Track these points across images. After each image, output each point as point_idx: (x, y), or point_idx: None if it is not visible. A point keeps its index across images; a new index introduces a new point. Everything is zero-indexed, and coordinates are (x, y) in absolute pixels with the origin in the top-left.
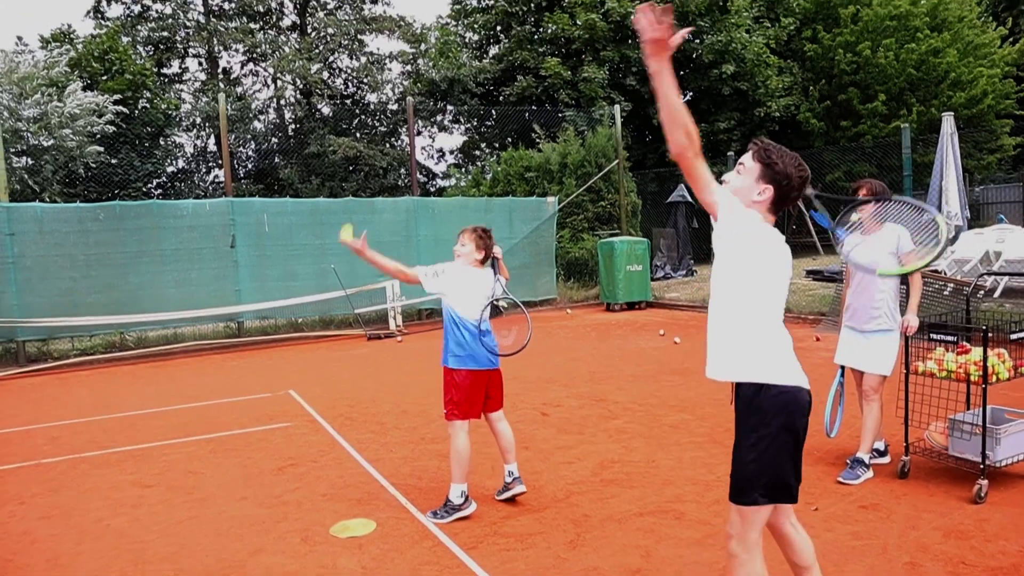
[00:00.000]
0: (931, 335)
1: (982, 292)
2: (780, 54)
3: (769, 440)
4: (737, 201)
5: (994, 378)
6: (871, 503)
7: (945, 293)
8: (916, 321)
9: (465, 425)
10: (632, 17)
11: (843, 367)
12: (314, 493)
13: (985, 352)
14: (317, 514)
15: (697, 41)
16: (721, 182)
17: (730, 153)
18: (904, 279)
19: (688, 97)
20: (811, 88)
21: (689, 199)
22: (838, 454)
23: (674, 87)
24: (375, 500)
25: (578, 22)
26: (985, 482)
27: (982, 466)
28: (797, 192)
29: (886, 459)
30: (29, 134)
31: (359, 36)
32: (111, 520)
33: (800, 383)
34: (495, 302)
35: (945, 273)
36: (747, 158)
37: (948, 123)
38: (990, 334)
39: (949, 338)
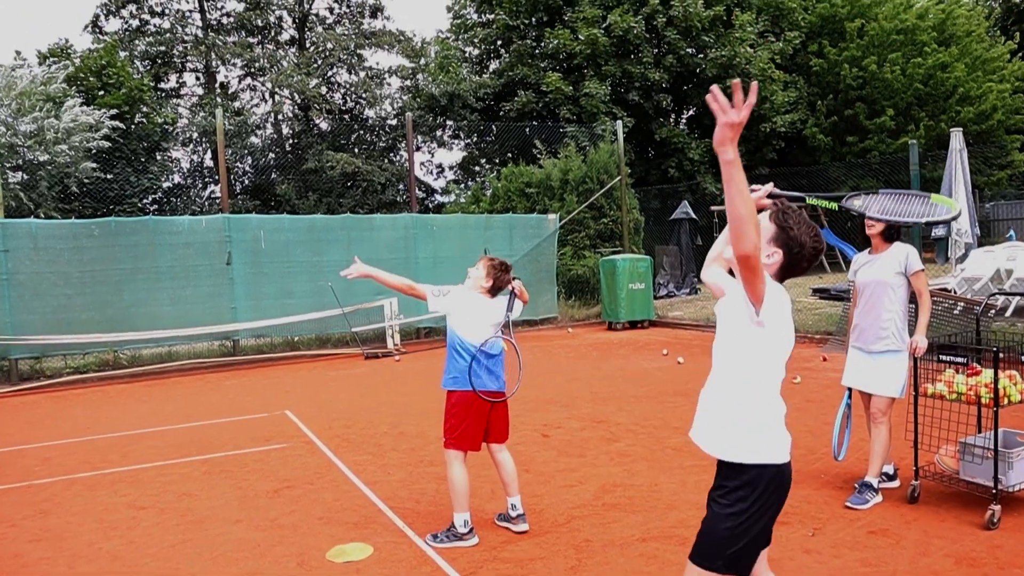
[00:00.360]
0: (940, 356)
1: (993, 311)
2: (785, 69)
3: (750, 515)
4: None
5: (1006, 400)
6: (880, 529)
7: (955, 312)
8: (925, 342)
9: (460, 455)
10: (707, 96)
11: (850, 389)
12: (310, 516)
13: (996, 374)
14: (313, 538)
15: (701, 56)
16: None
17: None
18: (913, 298)
19: (692, 112)
20: (817, 103)
21: (693, 216)
22: (846, 478)
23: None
24: (372, 524)
25: (580, 37)
26: (998, 507)
27: (994, 491)
28: (807, 263)
29: (895, 483)
30: (25, 149)
31: (358, 51)
32: (104, 543)
33: (788, 458)
34: (500, 334)
35: (955, 292)
36: (764, 216)
37: (957, 139)
38: (1001, 355)
39: (959, 359)
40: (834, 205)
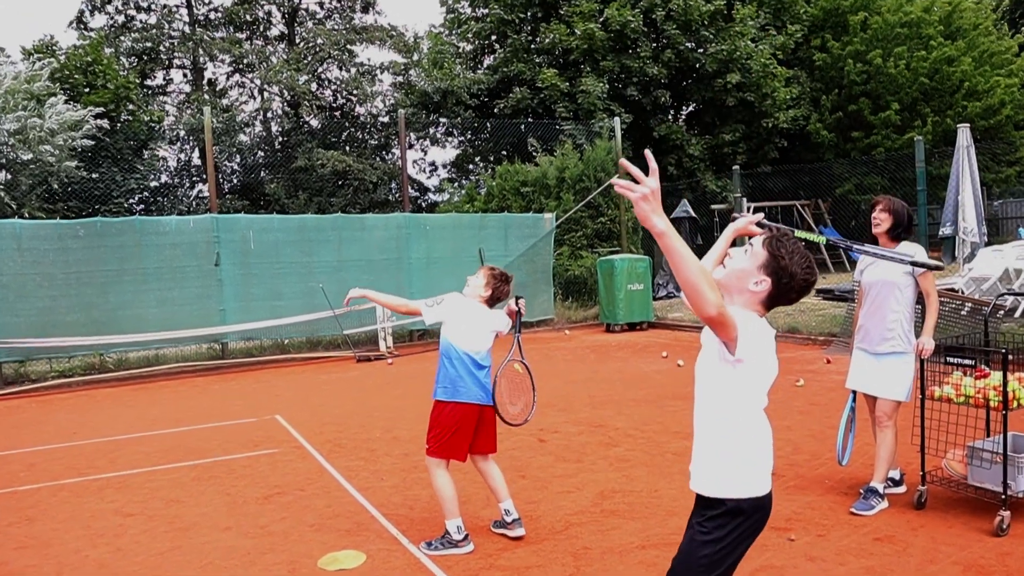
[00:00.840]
0: (948, 358)
1: (1002, 312)
2: (787, 64)
3: (728, 544)
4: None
5: (1015, 403)
6: (886, 535)
7: (962, 313)
8: (932, 343)
9: (443, 463)
10: (614, 180)
11: (855, 392)
12: (301, 523)
13: (1005, 376)
14: (304, 545)
15: (700, 51)
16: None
17: (735, 167)
18: (920, 299)
19: (691, 108)
20: (821, 99)
21: (693, 215)
22: (851, 483)
23: (677, 244)
24: (365, 531)
25: (576, 32)
26: (1007, 513)
27: (1003, 496)
28: (796, 295)
29: (902, 489)
30: (7, 148)
31: (349, 46)
32: (91, 551)
33: (769, 488)
34: (515, 358)
35: (963, 292)
36: (757, 241)
37: (964, 135)
38: (1010, 357)
39: (967, 361)
40: (822, 239)
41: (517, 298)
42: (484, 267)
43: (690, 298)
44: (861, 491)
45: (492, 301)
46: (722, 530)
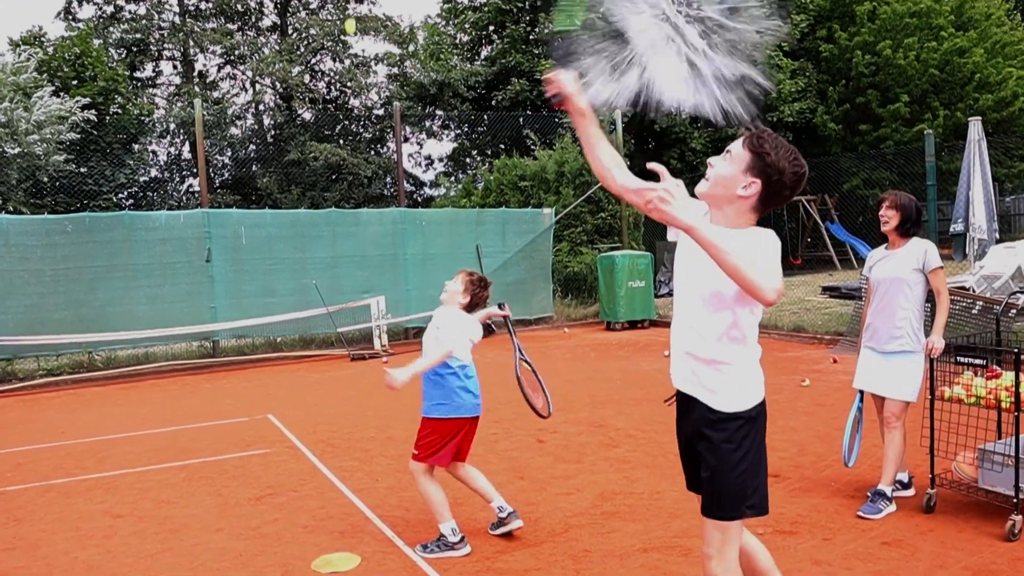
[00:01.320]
0: (958, 358)
1: (1014, 311)
2: (793, 55)
3: (759, 447)
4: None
5: None
6: (894, 539)
7: (973, 312)
8: (942, 342)
9: (429, 469)
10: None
11: (862, 392)
12: (294, 525)
13: (1017, 377)
14: (298, 547)
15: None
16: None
17: None
18: (930, 297)
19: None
20: (828, 91)
21: None
22: (857, 486)
23: (715, 236)
24: (359, 533)
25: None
26: (1019, 517)
27: (1015, 500)
28: (790, 192)
29: (910, 492)
30: None
31: (343, 37)
32: (80, 552)
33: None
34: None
35: (973, 290)
36: (736, 145)
37: (975, 128)
38: (1023, 357)
39: (978, 361)
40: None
41: (500, 304)
42: (462, 272)
43: (746, 291)
44: (868, 494)
45: (471, 307)
46: (748, 439)
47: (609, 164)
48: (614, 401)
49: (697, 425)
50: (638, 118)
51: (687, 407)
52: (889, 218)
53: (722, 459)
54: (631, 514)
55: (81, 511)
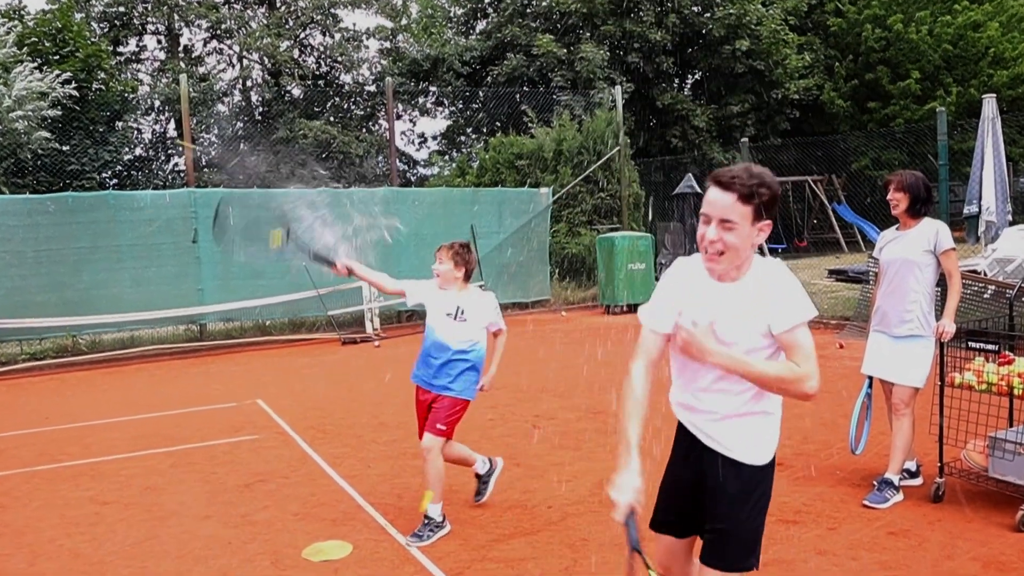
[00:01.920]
0: (969, 343)
1: None
2: (800, 29)
3: (767, 500)
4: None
5: None
6: (901, 529)
7: (985, 296)
8: (953, 327)
9: (444, 443)
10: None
11: (871, 377)
12: (284, 512)
13: None
14: (288, 535)
15: (707, 15)
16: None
17: (744, 139)
18: (941, 280)
19: (697, 76)
20: (836, 67)
21: (698, 190)
22: (864, 474)
23: (751, 363)
24: (351, 520)
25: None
26: None
27: None
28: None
29: (918, 481)
30: None
31: (333, 10)
32: (65, 540)
33: None
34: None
35: (986, 274)
36: (729, 211)
37: (990, 106)
38: None
39: (990, 347)
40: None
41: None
42: (442, 250)
43: (789, 395)
44: (875, 483)
45: (468, 277)
46: (767, 488)
47: None
48: (613, 386)
49: (722, 479)
50: (639, 95)
51: (702, 455)
52: (898, 201)
53: (754, 508)
54: None
55: (66, 498)
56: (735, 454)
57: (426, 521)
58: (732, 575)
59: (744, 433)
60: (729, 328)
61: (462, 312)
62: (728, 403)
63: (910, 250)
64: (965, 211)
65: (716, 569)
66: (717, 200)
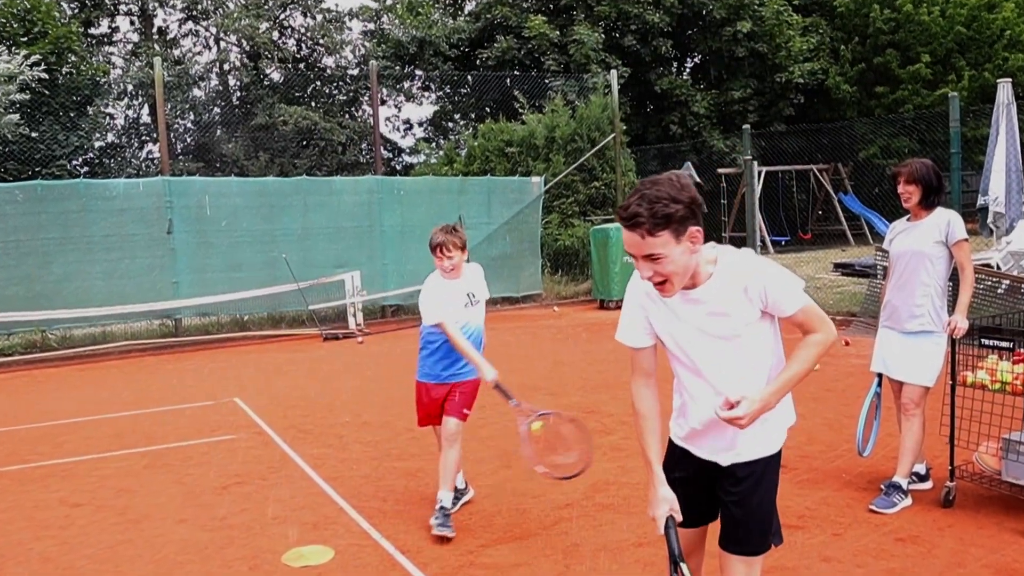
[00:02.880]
0: (982, 340)
1: None
2: (804, 10)
3: (777, 476)
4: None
5: None
6: (909, 535)
7: (999, 291)
8: (965, 322)
9: None
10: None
11: (879, 375)
12: (263, 515)
13: None
14: (267, 539)
15: None
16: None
17: (745, 126)
18: (954, 274)
19: (697, 60)
20: (842, 49)
21: (697, 179)
22: (870, 478)
23: (792, 376)
24: (333, 524)
25: None
26: None
27: None
28: (698, 205)
29: (927, 484)
30: None
31: None
32: (34, 543)
33: None
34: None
35: (999, 267)
36: (648, 246)
37: (1005, 91)
38: None
39: (1004, 344)
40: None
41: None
42: (440, 232)
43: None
44: (882, 486)
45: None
46: (777, 466)
47: None
48: (608, 385)
49: (730, 470)
50: (636, 80)
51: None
52: (910, 194)
53: (765, 494)
54: (625, 506)
55: (36, 500)
56: (756, 453)
57: (443, 508)
58: (752, 557)
59: (761, 429)
60: (714, 324)
61: (473, 296)
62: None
63: (921, 242)
64: (979, 202)
65: (738, 555)
66: (631, 240)
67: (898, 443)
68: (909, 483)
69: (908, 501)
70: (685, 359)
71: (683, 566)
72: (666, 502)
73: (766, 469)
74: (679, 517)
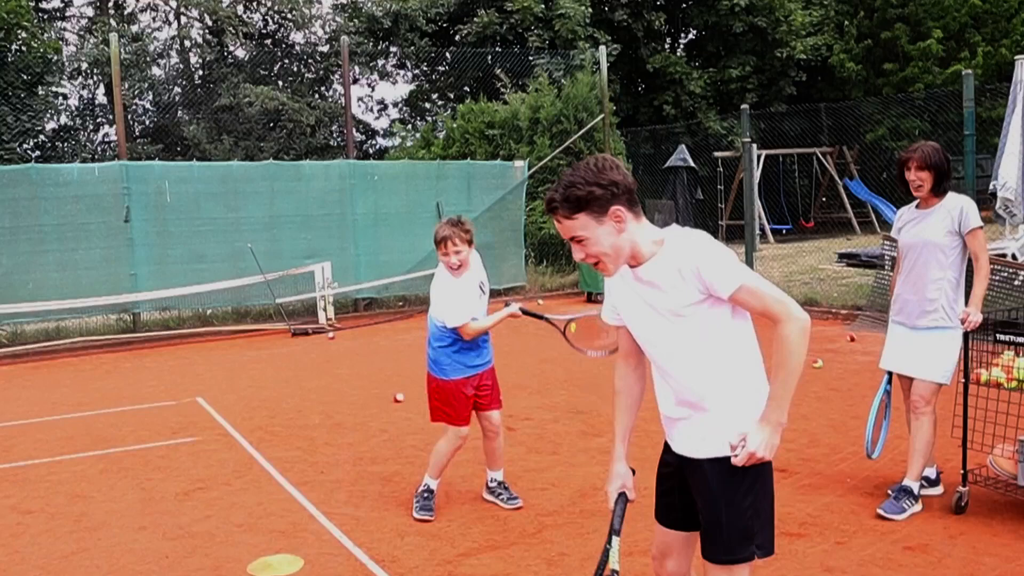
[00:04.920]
0: (998, 335)
1: None
2: None
3: (764, 479)
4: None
5: None
6: (919, 544)
7: (1016, 283)
8: (979, 316)
9: None
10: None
11: (889, 373)
12: (228, 523)
13: None
14: (232, 548)
15: None
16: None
17: (744, 106)
18: (969, 264)
19: (692, 36)
20: (846, 24)
21: (691, 163)
22: (877, 482)
23: (785, 384)
24: (302, 532)
25: None
26: None
27: None
28: (629, 187)
29: (938, 490)
30: None
31: None
32: None
33: None
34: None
35: (1016, 258)
36: (569, 227)
37: (1022, 68)
38: None
39: (1021, 339)
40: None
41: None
42: (447, 241)
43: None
44: (890, 491)
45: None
46: (762, 474)
47: None
48: (596, 384)
49: (700, 465)
50: (627, 57)
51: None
52: (922, 181)
53: (740, 496)
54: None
55: None
56: (723, 450)
57: (502, 483)
58: (727, 567)
59: (725, 421)
60: (657, 303)
61: (483, 286)
62: (698, 392)
63: (933, 231)
64: (991, 187)
65: (712, 563)
66: (557, 225)
67: (907, 446)
68: (920, 488)
69: (918, 507)
70: (641, 339)
71: (615, 540)
72: (619, 478)
73: (743, 468)
74: (632, 495)
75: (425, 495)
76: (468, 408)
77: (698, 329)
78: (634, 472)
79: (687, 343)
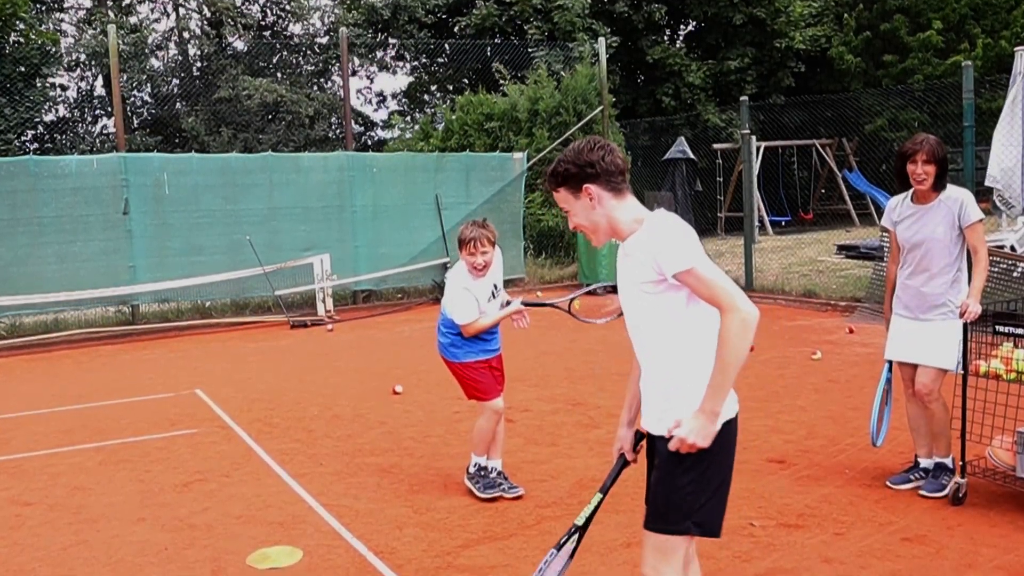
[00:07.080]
0: (996, 327)
1: None
2: None
3: (714, 463)
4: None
5: None
6: (917, 535)
7: (1014, 275)
8: (978, 307)
9: None
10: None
11: (890, 362)
12: (227, 515)
13: None
14: (231, 540)
15: None
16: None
17: (743, 98)
18: (968, 257)
19: (691, 27)
20: (845, 16)
21: (690, 155)
22: (875, 474)
23: (724, 376)
24: (301, 524)
25: None
26: None
27: None
28: (620, 173)
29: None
30: None
31: None
32: None
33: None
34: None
35: (1014, 250)
36: (558, 196)
37: (1022, 60)
38: None
39: (1020, 331)
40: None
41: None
42: (472, 242)
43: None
44: (913, 473)
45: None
46: (713, 459)
47: None
48: (594, 376)
49: (656, 441)
50: (626, 49)
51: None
52: (928, 175)
53: (681, 472)
54: (613, 504)
55: None
56: (661, 431)
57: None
58: (660, 536)
59: (673, 412)
60: (631, 277)
61: (496, 288)
62: (659, 369)
63: (936, 227)
64: (987, 181)
65: (647, 530)
66: (558, 197)
67: (905, 437)
68: (916, 477)
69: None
70: (623, 310)
71: (598, 496)
72: (619, 440)
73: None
74: (630, 457)
75: (481, 474)
76: (496, 382)
77: (656, 308)
78: (642, 436)
79: (647, 320)
